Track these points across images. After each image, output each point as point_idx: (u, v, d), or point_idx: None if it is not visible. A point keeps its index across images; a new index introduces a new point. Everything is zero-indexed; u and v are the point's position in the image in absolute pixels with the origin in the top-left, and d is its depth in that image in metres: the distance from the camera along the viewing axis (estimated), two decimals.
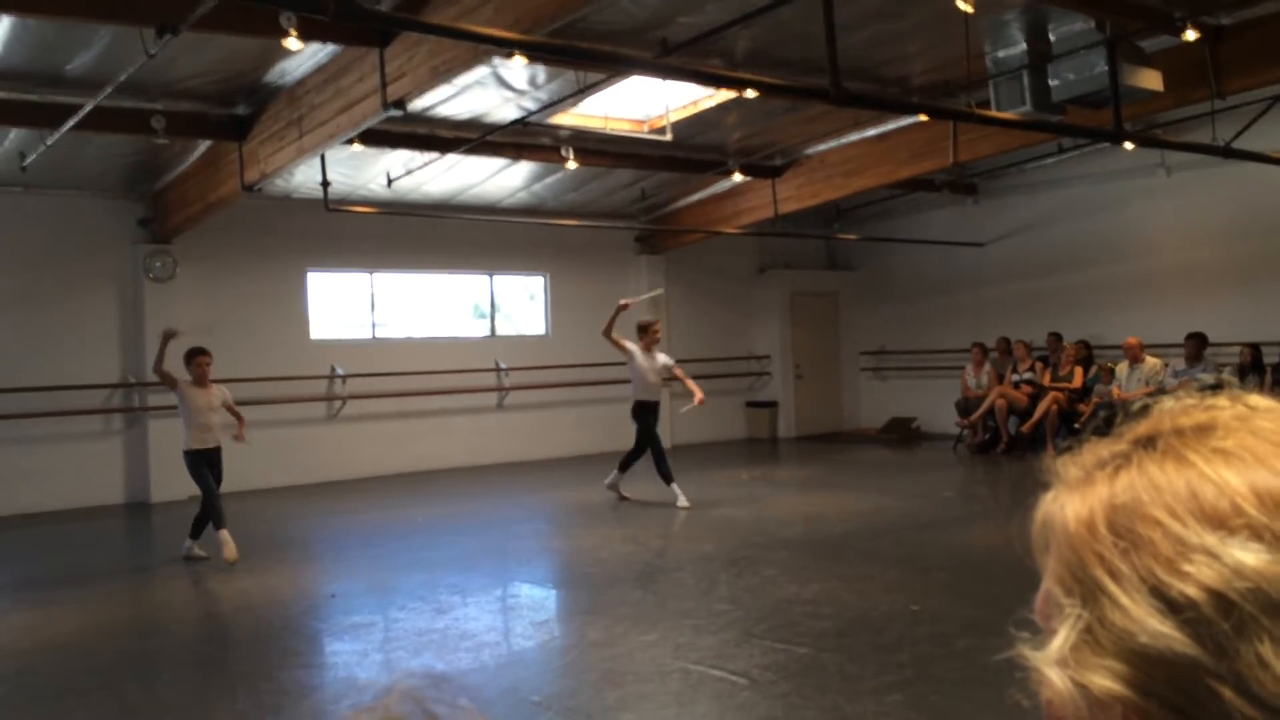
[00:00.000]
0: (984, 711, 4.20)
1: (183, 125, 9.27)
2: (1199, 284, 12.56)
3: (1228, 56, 8.86)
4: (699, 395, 9.80)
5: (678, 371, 10.02)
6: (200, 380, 7.97)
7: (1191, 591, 0.50)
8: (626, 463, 10.14)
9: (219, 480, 7.97)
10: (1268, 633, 0.48)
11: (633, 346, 9.87)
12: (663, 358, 9.97)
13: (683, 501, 9.64)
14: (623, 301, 9.95)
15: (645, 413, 9.93)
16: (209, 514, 7.85)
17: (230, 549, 7.58)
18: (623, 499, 10.11)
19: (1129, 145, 9.58)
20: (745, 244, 15.76)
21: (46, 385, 10.87)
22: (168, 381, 7.93)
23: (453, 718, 0.49)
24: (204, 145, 10.15)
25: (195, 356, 8.01)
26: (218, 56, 8.25)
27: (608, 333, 9.65)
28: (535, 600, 6.97)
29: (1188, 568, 0.50)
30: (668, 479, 9.79)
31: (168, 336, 7.86)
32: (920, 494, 10.19)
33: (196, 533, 8.01)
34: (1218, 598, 0.49)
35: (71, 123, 8.17)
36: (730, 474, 12.11)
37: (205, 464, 7.88)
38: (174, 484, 11.42)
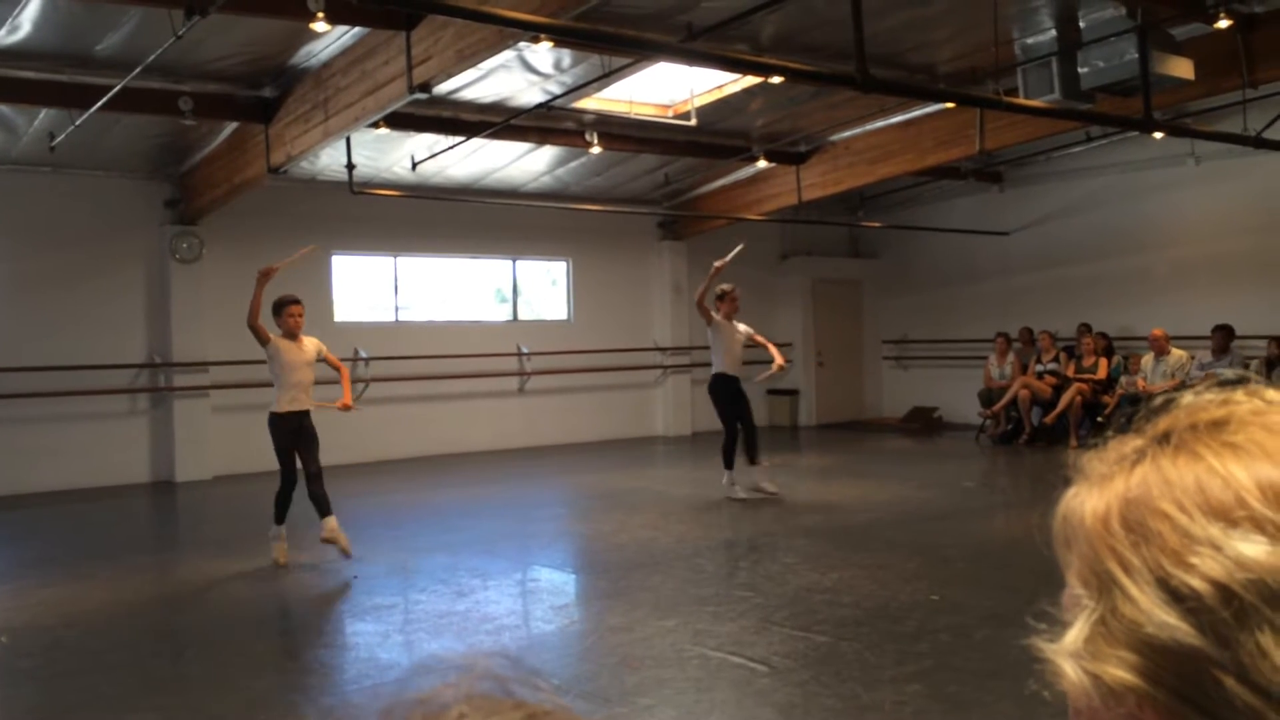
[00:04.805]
0: (1003, 702, 4.19)
1: (210, 107, 9.32)
2: (1227, 275, 12.43)
3: (1260, 45, 8.75)
4: (779, 359, 9.23)
5: (758, 338, 9.40)
6: (292, 333, 7.13)
7: (1195, 583, 0.51)
8: (729, 455, 9.28)
9: (316, 447, 7.12)
10: (1268, 623, 0.49)
11: (719, 317, 9.22)
12: (743, 326, 9.35)
13: (768, 486, 9.18)
14: (717, 264, 8.97)
15: (725, 387, 9.22)
16: (282, 498, 7.17)
17: (281, 552, 7.13)
18: (768, 493, 9.18)
19: (1158, 134, 9.49)
20: (768, 231, 15.71)
21: (73, 364, 10.99)
22: (260, 335, 6.99)
23: (534, 698, 0.50)
24: (230, 127, 10.20)
25: (286, 306, 7.14)
26: (245, 38, 8.29)
27: (703, 300, 9.02)
28: (555, 584, 7.00)
29: (1193, 560, 0.51)
30: (729, 464, 9.22)
31: (266, 275, 7.02)
32: (941, 484, 10.16)
33: (280, 516, 7.23)
34: (1220, 589, 0.50)
35: (100, 103, 8.23)
36: None
37: (292, 431, 7.05)
38: (198, 464, 11.58)
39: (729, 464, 9.29)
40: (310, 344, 7.27)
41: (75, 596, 6.49)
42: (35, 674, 5.03)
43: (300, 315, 7.18)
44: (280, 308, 7.16)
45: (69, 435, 11.05)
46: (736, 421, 9.27)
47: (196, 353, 11.62)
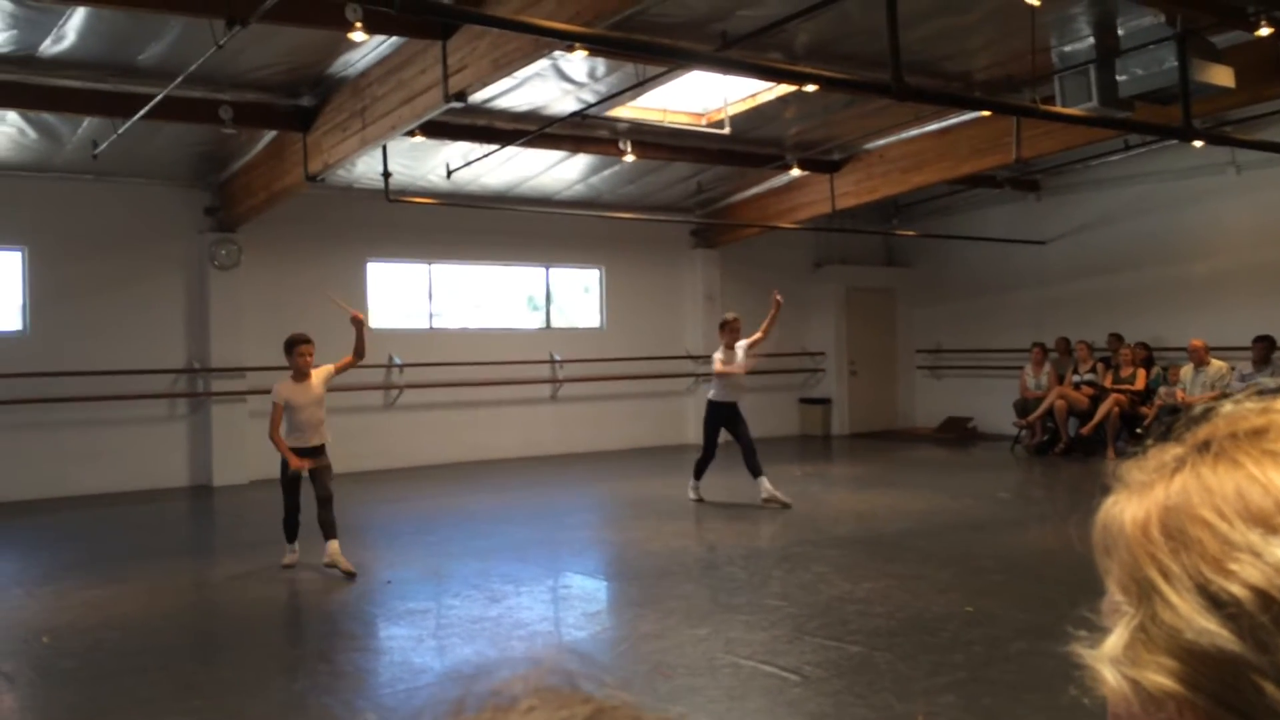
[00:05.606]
0: (1037, 715, 4.15)
1: (249, 115, 9.44)
2: (1268, 285, 12.25)
3: None
4: (778, 298, 9.47)
5: (757, 336, 9.55)
6: (301, 373, 7.10)
7: (1235, 589, 0.51)
8: (700, 468, 9.82)
9: (329, 474, 7.13)
10: None
11: (724, 352, 9.52)
12: (742, 344, 9.56)
13: (781, 496, 9.34)
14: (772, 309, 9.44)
15: (721, 413, 9.53)
16: (288, 522, 7.27)
17: (290, 560, 7.27)
18: (782, 503, 9.39)
19: (1198, 143, 9.37)
20: (801, 239, 15.67)
21: (114, 369, 11.15)
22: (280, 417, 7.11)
23: (600, 693, 0.51)
24: (269, 135, 10.33)
25: (297, 345, 7.10)
26: (284, 48, 8.39)
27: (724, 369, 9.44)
28: (587, 591, 7.02)
29: (1233, 566, 0.52)
30: (698, 475, 9.78)
31: (278, 446, 7.06)
32: (976, 494, 10.08)
33: (291, 536, 7.33)
34: (1260, 595, 0.51)
35: (142, 112, 8.35)
36: (783, 470, 12.04)
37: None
38: (236, 468, 11.71)
39: (698, 475, 9.86)
40: (318, 379, 7.17)
41: (115, 598, 6.58)
42: (76, 675, 5.11)
43: (310, 355, 7.13)
44: (291, 346, 7.16)
45: (109, 439, 11.21)
46: (715, 446, 9.66)
47: (234, 358, 11.75)
